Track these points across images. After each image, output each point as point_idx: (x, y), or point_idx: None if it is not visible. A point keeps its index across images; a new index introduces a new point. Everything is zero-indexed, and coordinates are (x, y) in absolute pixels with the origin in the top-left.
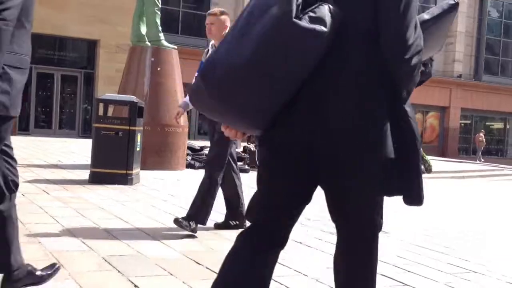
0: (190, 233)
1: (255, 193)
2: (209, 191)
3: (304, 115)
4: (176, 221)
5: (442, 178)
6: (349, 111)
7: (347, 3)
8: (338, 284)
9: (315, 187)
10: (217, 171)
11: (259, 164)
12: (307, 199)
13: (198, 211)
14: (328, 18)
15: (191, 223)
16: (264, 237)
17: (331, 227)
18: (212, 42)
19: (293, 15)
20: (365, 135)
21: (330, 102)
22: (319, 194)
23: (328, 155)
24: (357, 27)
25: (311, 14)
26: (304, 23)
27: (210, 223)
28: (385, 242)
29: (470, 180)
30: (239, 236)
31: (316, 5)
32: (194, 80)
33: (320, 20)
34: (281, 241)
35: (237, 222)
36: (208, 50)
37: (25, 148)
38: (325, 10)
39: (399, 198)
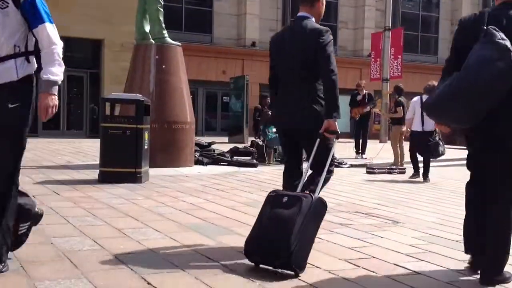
0: None
1: None
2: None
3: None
4: None
5: (453, 166)
6: None
7: None
8: None
9: None
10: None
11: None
12: None
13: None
14: None
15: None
16: None
17: (341, 218)
18: None
19: None
20: None
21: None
22: (328, 189)
23: None
24: None
25: None
26: None
27: (221, 217)
28: (398, 231)
29: None
30: None
31: None
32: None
33: None
34: None
35: None
36: None
37: (34, 150)
38: None
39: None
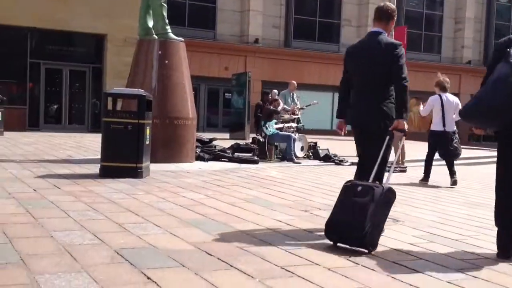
0: None
1: None
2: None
3: None
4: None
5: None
6: None
7: None
8: None
9: None
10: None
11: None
12: None
13: None
14: None
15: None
16: None
17: None
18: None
19: None
20: None
21: None
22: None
23: None
24: None
25: None
26: None
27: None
28: (398, 229)
29: (484, 167)
30: None
31: None
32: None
33: None
34: None
35: None
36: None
37: (36, 143)
38: None
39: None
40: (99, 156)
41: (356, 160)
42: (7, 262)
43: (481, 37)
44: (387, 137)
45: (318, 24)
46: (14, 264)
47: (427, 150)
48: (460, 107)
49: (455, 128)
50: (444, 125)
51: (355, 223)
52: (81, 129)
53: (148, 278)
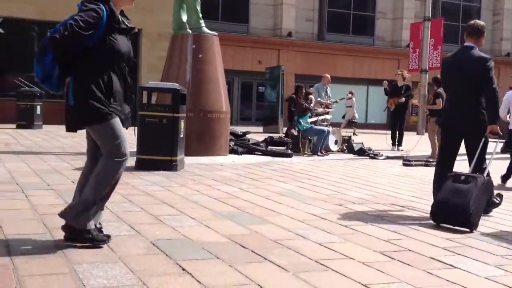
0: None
1: None
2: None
3: None
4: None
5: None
6: None
7: None
8: None
9: None
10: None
11: None
12: None
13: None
14: None
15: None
16: None
17: (377, 211)
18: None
19: None
20: None
21: None
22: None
23: None
24: None
25: None
26: None
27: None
28: (432, 224)
29: None
30: None
31: None
32: None
33: None
34: None
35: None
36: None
37: (73, 137)
38: None
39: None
40: (134, 149)
41: (390, 154)
42: (47, 252)
43: None
44: (483, 139)
45: (352, 16)
46: (54, 254)
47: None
48: None
49: None
50: None
51: (460, 206)
52: None
53: (183, 269)
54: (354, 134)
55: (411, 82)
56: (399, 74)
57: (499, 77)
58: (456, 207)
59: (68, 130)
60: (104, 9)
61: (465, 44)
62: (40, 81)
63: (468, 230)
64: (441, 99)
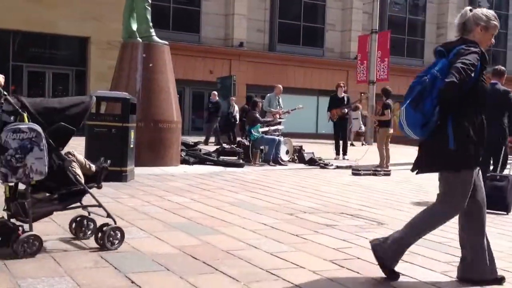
0: None
1: None
2: None
3: None
4: None
5: None
6: None
7: None
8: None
9: None
10: None
11: None
12: None
13: None
14: None
15: None
16: None
17: (327, 219)
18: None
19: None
20: None
21: None
22: (314, 191)
23: None
24: None
25: None
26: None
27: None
28: (382, 232)
29: None
30: None
31: None
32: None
33: None
34: None
35: None
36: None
37: None
38: None
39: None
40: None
41: (338, 163)
42: None
43: None
44: (503, 147)
45: (303, 28)
46: None
47: None
48: None
49: None
50: None
51: (498, 197)
52: None
53: (133, 282)
54: (362, 144)
55: (359, 93)
56: (341, 87)
57: None
58: (493, 199)
59: (420, 172)
60: (480, 51)
61: (492, 81)
62: (412, 127)
63: (505, 213)
64: (389, 110)
